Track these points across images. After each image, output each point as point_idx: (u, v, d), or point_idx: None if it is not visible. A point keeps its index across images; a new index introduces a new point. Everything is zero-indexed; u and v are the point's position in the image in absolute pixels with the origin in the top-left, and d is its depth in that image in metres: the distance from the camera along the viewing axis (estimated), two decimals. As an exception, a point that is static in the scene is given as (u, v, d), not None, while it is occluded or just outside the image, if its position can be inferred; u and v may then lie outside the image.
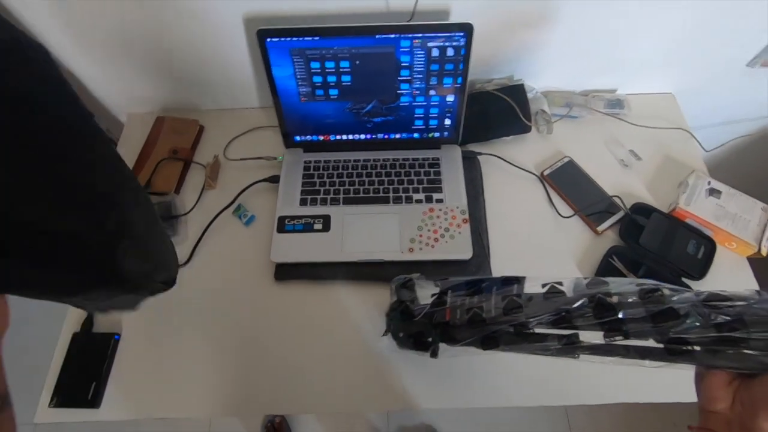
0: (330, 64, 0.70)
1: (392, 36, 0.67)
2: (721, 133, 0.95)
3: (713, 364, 0.34)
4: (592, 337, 0.38)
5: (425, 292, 0.50)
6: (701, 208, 0.74)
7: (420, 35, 0.67)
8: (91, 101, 0.88)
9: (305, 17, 0.72)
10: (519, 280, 0.43)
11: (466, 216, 0.74)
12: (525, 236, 0.76)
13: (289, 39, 0.67)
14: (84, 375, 0.66)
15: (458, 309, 0.44)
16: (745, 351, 0.33)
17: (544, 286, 0.41)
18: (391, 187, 0.78)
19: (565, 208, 0.79)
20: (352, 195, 0.78)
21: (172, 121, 0.88)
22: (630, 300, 0.36)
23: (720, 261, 0.72)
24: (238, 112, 0.91)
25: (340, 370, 0.67)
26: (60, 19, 0.71)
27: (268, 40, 0.67)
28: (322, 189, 0.78)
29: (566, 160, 0.82)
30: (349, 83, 0.72)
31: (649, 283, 0.37)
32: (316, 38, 0.67)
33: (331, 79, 0.72)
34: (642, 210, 0.76)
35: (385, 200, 0.77)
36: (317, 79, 0.72)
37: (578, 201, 0.78)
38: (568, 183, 0.80)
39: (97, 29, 0.73)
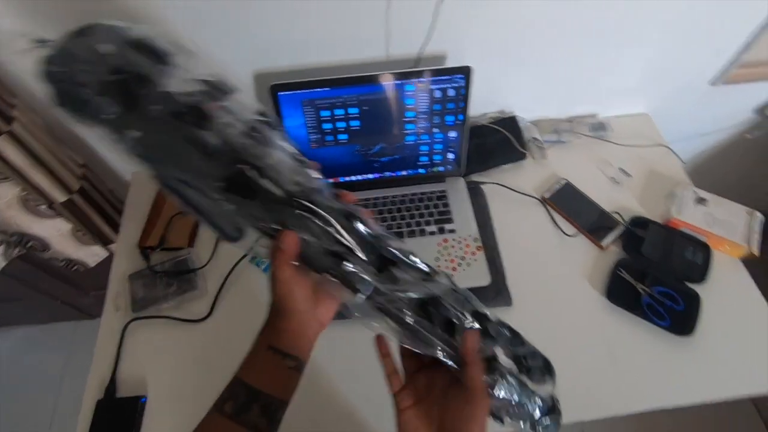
0: (339, 112, 0.74)
1: (398, 82, 0.71)
2: (696, 145, 1.03)
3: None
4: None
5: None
6: (692, 216, 0.80)
7: (423, 79, 0.72)
8: (96, 163, 0.88)
9: (310, 70, 0.76)
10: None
11: (480, 243, 0.77)
12: (536, 258, 0.80)
13: (300, 92, 0.71)
14: (112, 444, 0.64)
15: None
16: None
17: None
18: (403, 222, 0.81)
19: (568, 228, 0.83)
20: (366, 233, 0.80)
21: (179, 176, 0.89)
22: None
23: (717, 264, 0.77)
24: (244, 162, 0.92)
25: (363, 414, 0.66)
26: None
27: (280, 93, 0.71)
28: (337, 230, 0.80)
29: (564, 182, 0.87)
30: (357, 128, 0.76)
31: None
32: (326, 89, 0.71)
33: (341, 125, 0.76)
34: (640, 223, 0.81)
35: (399, 235, 0.79)
36: (327, 126, 0.75)
37: (580, 219, 0.83)
38: (569, 203, 0.85)
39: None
